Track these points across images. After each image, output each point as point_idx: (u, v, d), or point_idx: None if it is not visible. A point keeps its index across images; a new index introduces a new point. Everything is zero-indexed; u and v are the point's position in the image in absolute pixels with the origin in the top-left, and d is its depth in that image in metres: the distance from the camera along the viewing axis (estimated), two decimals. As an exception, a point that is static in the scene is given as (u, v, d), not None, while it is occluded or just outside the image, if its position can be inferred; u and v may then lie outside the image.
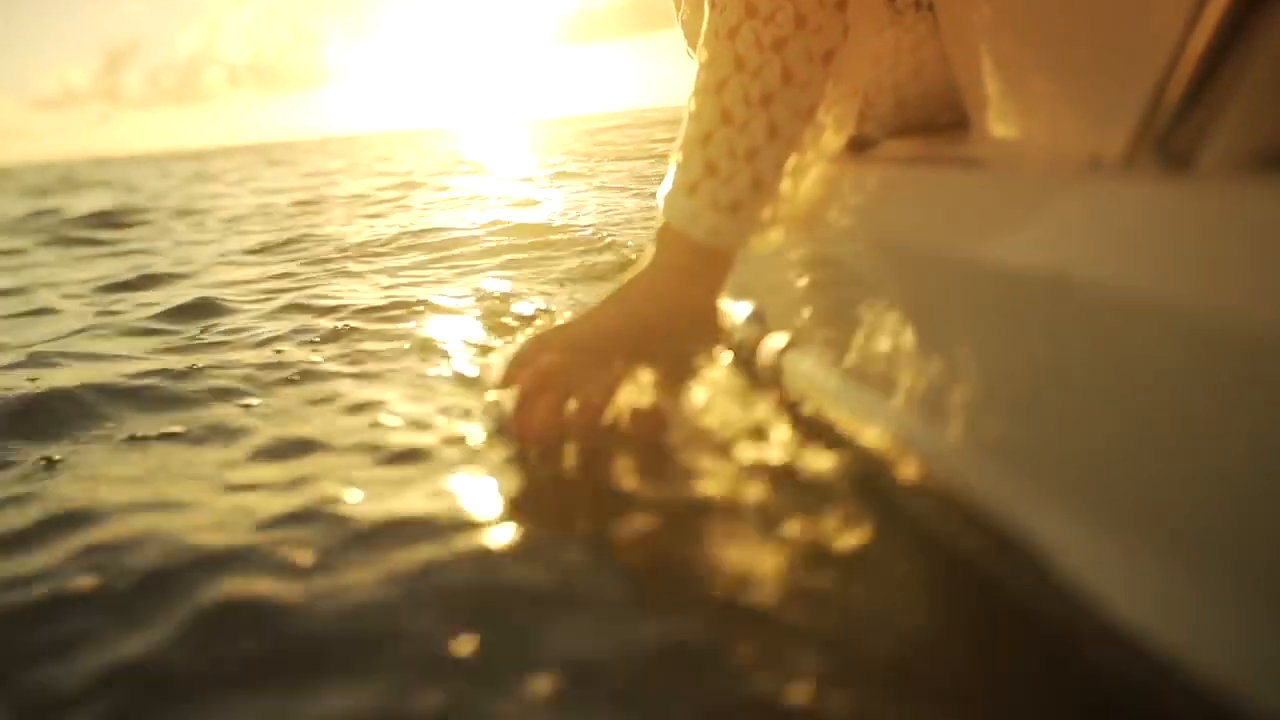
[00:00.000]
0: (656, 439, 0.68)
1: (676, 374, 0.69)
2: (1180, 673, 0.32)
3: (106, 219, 4.42)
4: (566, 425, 0.65)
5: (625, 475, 0.66)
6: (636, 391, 0.69)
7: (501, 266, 1.77)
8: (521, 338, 0.81)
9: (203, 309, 1.52)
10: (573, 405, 0.65)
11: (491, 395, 0.70)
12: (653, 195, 0.77)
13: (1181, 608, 0.33)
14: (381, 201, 3.86)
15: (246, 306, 1.54)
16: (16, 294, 2.04)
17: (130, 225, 4.08)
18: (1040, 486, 0.41)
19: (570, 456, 0.66)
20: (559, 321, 0.70)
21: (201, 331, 1.36)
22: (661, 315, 0.66)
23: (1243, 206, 0.33)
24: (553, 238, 2.09)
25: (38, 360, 1.20)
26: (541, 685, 0.44)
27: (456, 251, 2.04)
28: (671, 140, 0.68)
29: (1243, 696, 0.30)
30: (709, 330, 0.71)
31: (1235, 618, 0.31)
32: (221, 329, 1.35)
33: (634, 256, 1.91)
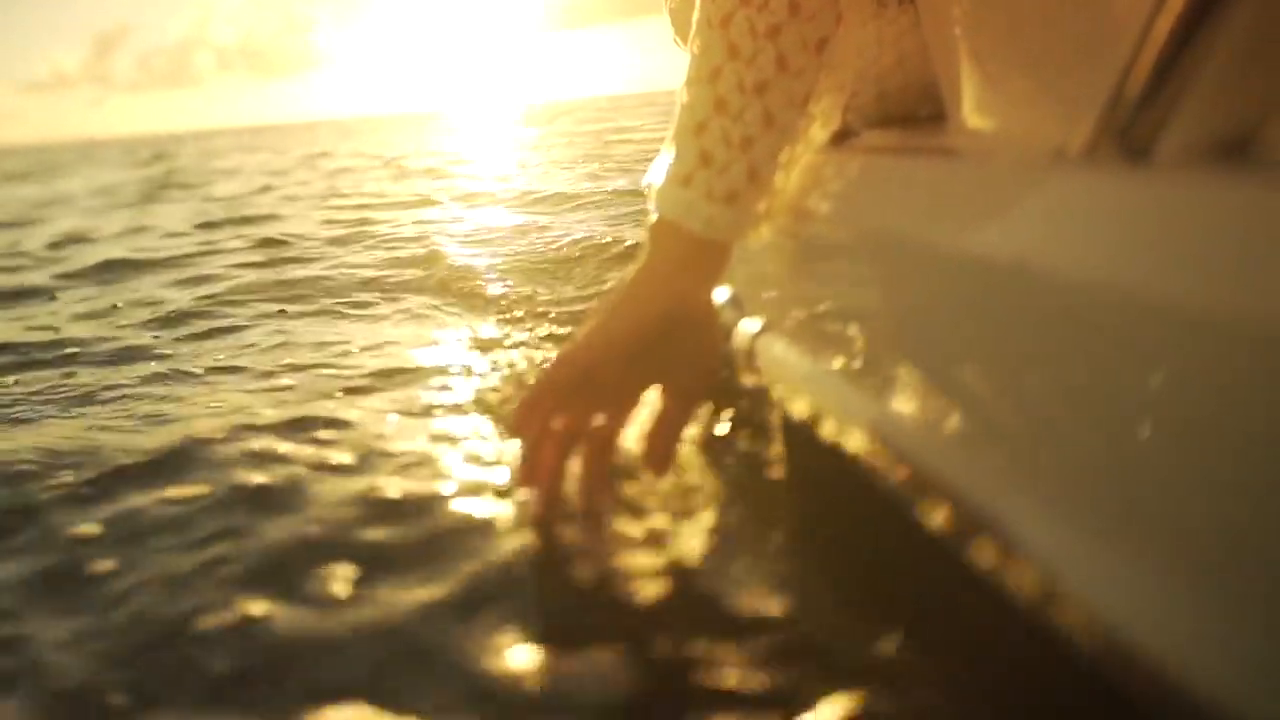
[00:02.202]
0: (667, 465, 0.68)
1: (686, 381, 0.67)
2: (1165, 673, 0.32)
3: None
4: (577, 474, 0.66)
5: (630, 525, 0.67)
6: (648, 412, 0.68)
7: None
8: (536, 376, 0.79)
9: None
10: (582, 450, 0.66)
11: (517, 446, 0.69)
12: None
13: (1149, 598, 0.34)
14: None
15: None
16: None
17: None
18: (1009, 473, 0.42)
19: (579, 508, 0.67)
20: (569, 344, 0.67)
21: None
22: (664, 317, 0.64)
23: (1197, 197, 0.34)
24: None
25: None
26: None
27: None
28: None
29: (1232, 702, 0.30)
30: (712, 329, 0.68)
31: (1211, 614, 0.31)
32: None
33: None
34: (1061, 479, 0.38)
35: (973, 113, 0.53)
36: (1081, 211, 0.37)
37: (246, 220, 3.46)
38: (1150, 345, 0.32)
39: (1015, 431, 0.41)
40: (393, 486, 0.78)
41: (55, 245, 3.04)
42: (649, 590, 0.59)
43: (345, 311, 1.59)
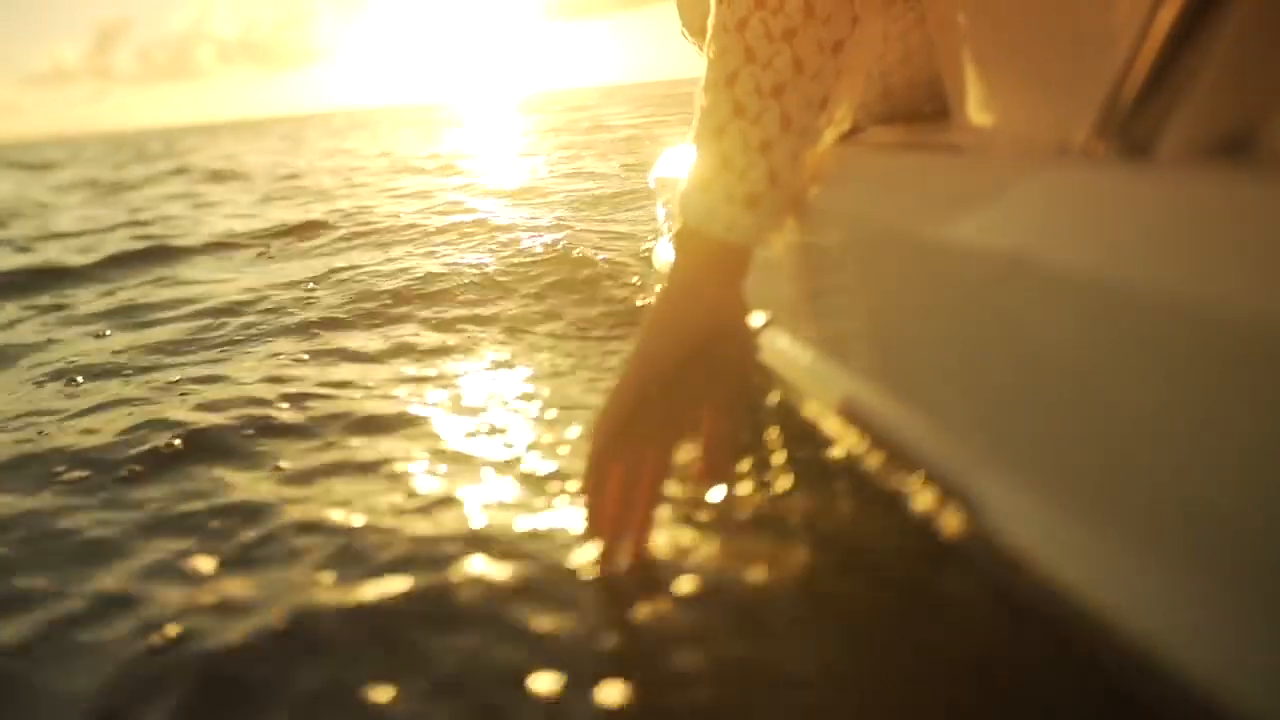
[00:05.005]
0: (727, 478, 0.68)
1: (728, 390, 0.65)
2: (1153, 662, 0.33)
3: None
4: (636, 509, 0.65)
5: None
6: (697, 431, 0.66)
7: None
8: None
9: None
10: (639, 488, 0.64)
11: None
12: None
13: (1144, 590, 0.35)
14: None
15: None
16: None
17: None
18: (1003, 462, 0.43)
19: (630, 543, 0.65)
20: (616, 381, 0.65)
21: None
22: (697, 329, 0.63)
23: (1196, 193, 0.34)
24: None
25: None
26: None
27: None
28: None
29: (1223, 691, 0.31)
30: (743, 332, 0.66)
31: (1193, 602, 0.32)
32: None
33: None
34: (1070, 473, 0.39)
35: (976, 109, 0.54)
36: (1082, 206, 0.38)
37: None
38: (1149, 337, 0.33)
39: (1013, 422, 0.42)
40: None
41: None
42: (666, 605, 0.61)
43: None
